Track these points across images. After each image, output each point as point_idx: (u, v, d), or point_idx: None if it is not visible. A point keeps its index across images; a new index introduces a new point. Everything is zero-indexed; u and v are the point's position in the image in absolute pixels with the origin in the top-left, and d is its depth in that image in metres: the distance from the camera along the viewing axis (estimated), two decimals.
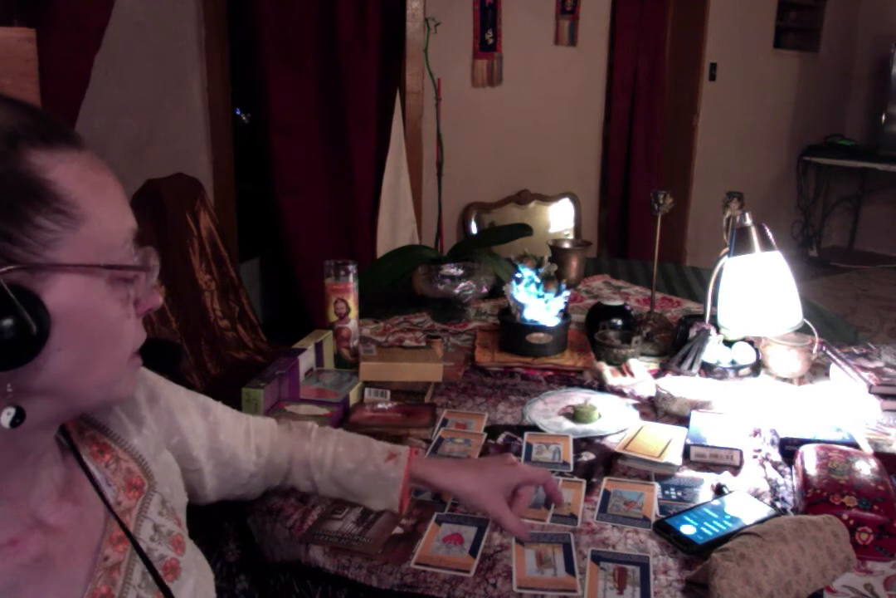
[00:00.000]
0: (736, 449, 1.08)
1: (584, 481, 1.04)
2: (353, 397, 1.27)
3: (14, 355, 0.49)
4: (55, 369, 0.52)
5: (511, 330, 1.51)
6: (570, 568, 0.85)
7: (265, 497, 1.00)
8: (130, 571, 0.61)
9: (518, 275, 1.50)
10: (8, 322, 0.48)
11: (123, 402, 0.70)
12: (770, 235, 1.32)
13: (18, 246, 0.49)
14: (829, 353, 1.38)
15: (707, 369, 1.39)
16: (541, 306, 1.48)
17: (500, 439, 1.16)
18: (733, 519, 0.92)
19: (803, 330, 1.36)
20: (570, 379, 1.40)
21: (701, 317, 1.47)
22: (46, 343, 0.50)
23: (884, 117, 4.86)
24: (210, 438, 0.83)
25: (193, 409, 0.82)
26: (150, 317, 1.83)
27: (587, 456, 1.11)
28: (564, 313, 1.51)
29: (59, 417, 0.58)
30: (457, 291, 1.70)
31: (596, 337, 1.51)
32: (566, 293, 1.49)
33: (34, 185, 0.50)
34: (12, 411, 0.51)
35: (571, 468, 1.07)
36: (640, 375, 1.39)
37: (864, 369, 1.29)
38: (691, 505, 0.97)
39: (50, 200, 0.51)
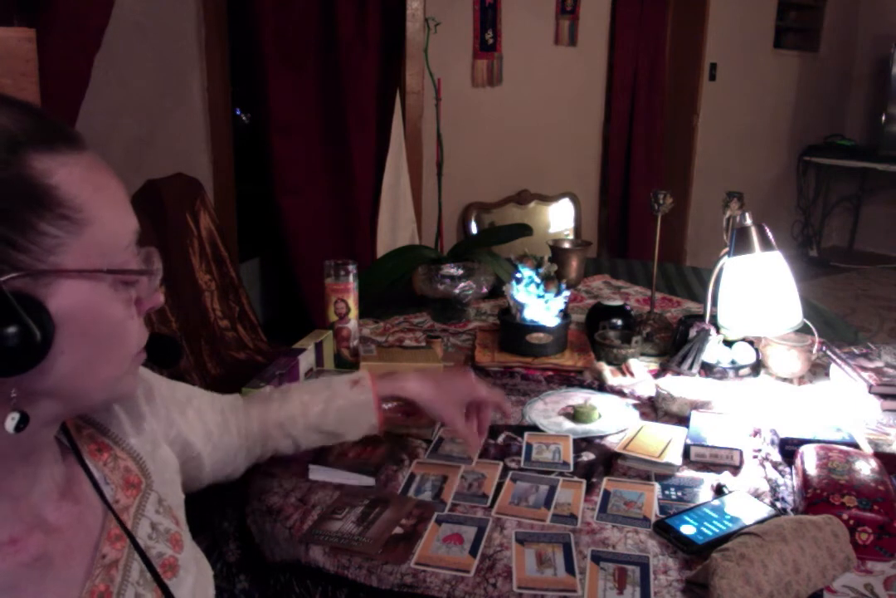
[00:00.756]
0: (736, 449, 1.08)
1: (584, 481, 1.04)
2: None
3: (18, 362, 0.49)
4: (59, 371, 0.52)
5: (511, 330, 1.51)
6: (570, 568, 0.85)
7: (265, 497, 1.00)
8: (128, 568, 0.61)
9: (518, 275, 1.50)
10: (12, 330, 0.48)
11: (126, 400, 0.70)
12: (770, 235, 1.32)
13: (23, 253, 0.49)
14: (829, 353, 1.38)
15: (707, 369, 1.39)
16: (541, 306, 1.48)
17: (500, 439, 1.16)
18: (733, 519, 0.92)
19: (803, 330, 1.36)
20: (570, 379, 1.40)
21: (701, 317, 1.47)
22: (51, 348, 0.50)
23: (884, 117, 4.86)
24: (201, 422, 0.85)
25: (183, 397, 0.83)
26: (150, 317, 1.84)
27: (587, 456, 1.12)
28: (564, 313, 1.51)
29: (63, 416, 0.59)
30: (457, 291, 1.70)
31: (596, 337, 1.51)
32: (566, 293, 1.49)
33: (37, 191, 0.50)
34: (17, 416, 0.51)
35: (571, 468, 1.08)
36: (640, 375, 1.39)
37: (864, 369, 1.29)
38: (691, 505, 0.97)
39: (53, 206, 0.50)
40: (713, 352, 1.40)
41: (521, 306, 1.49)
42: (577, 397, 1.31)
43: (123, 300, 0.56)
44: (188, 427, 0.81)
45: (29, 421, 0.51)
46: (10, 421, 0.50)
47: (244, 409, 0.96)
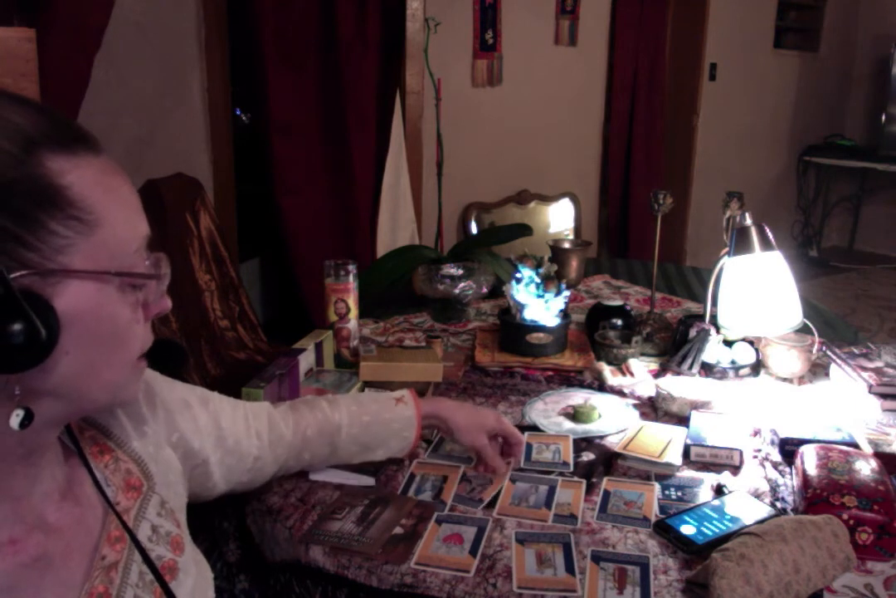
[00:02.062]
0: (736, 449, 1.08)
1: (584, 481, 1.04)
2: None
3: (23, 359, 0.49)
4: (63, 371, 0.53)
5: (511, 330, 1.51)
6: (570, 568, 0.85)
7: (265, 497, 1.00)
8: (128, 570, 0.61)
9: (518, 275, 1.50)
10: (18, 327, 0.48)
11: (128, 404, 0.70)
12: (770, 235, 1.32)
13: (32, 251, 0.49)
14: (829, 353, 1.38)
15: (707, 369, 1.39)
16: (541, 306, 1.48)
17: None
18: (733, 519, 0.92)
19: (803, 330, 1.36)
20: (570, 379, 1.40)
21: (701, 317, 1.47)
22: (55, 347, 0.50)
23: (884, 117, 4.86)
24: (214, 426, 0.84)
25: (194, 401, 0.82)
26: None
27: (587, 456, 1.12)
28: (564, 313, 1.51)
29: (66, 417, 0.59)
30: (457, 291, 1.70)
31: (596, 337, 1.51)
32: (566, 293, 1.49)
33: (50, 190, 0.50)
34: (21, 412, 0.51)
35: (571, 468, 1.08)
36: (640, 375, 1.39)
37: (864, 369, 1.29)
38: (691, 505, 0.97)
39: (65, 206, 0.51)
40: (713, 352, 1.40)
41: (521, 306, 1.49)
42: (577, 397, 1.31)
43: (130, 304, 0.56)
44: (193, 432, 0.80)
45: (33, 418, 0.51)
46: (15, 418, 0.51)
47: (282, 415, 0.96)
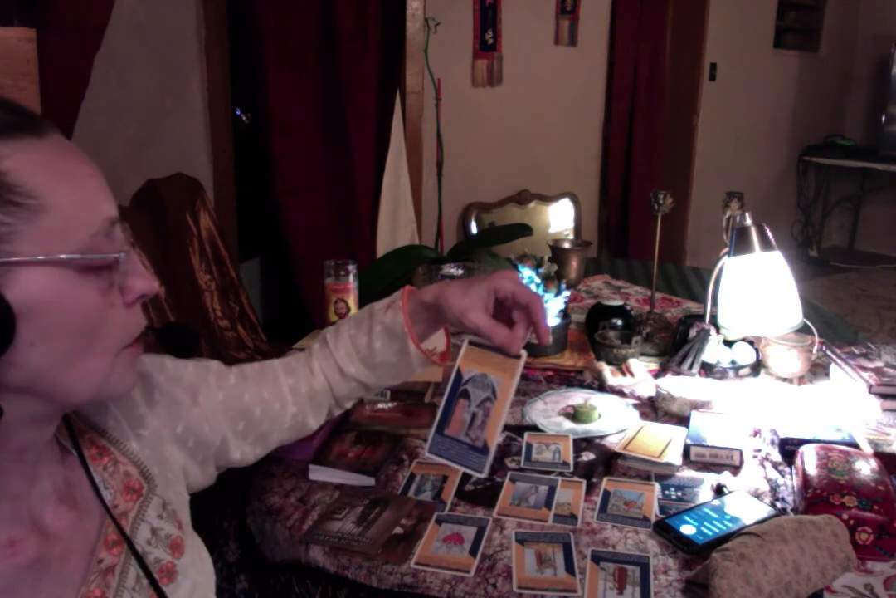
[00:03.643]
0: (736, 449, 1.08)
1: (584, 481, 1.04)
2: None
3: None
4: (31, 364, 0.51)
5: None
6: (570, 568, 0.85)
7: (265, 497, 1.00)
8: (125, 574, 0.60)
9: (518, 275, 1.50)
10: None
11: (123, 397, 0.67)
12: (770, 235, 1.32)
13: None
14: (829, 353, 1.38)
15: (707, 369, 1.39)
16: None
17: (500, 439, 1.16)
18: (733, 519, 0.92)
19: (803, 330, 1.36)
20: (570, 379, 1.40)
21: (701, 317, 1.47)
22: (15, 339, 0.49)
23: (884, 117, 4.86)
24: (234, 402, 0.80)
25: (210, 380, 0.78)
26: (151, 317, 1.83)
27: (587, 456, 1.12)
28: (564, 313, 1.51)
29: (48, 413, 0.56)
30: None
31: (596, 337, 1.51)
32: (566, 293, 1.49)
33: None
34: None
35: (571, 468, 1.08)
36: (640, 375, 1.39)
37: (864, 369, 1.29)
38: (691, 505, 0.97)
39: (2, 192, 0.49)
40: (713, 352, 1.40)
41: None
42: (577, 397, 1.31)
43: (98, 288, 0.53)
44: (203, 416, 0.76)
45: (2, 413, 0.49)
46: None
47: (305, 363, 0.88)
